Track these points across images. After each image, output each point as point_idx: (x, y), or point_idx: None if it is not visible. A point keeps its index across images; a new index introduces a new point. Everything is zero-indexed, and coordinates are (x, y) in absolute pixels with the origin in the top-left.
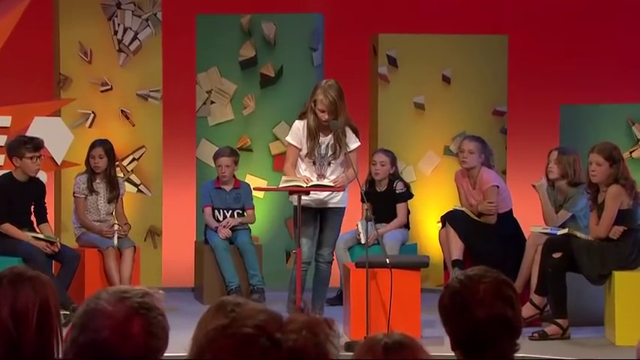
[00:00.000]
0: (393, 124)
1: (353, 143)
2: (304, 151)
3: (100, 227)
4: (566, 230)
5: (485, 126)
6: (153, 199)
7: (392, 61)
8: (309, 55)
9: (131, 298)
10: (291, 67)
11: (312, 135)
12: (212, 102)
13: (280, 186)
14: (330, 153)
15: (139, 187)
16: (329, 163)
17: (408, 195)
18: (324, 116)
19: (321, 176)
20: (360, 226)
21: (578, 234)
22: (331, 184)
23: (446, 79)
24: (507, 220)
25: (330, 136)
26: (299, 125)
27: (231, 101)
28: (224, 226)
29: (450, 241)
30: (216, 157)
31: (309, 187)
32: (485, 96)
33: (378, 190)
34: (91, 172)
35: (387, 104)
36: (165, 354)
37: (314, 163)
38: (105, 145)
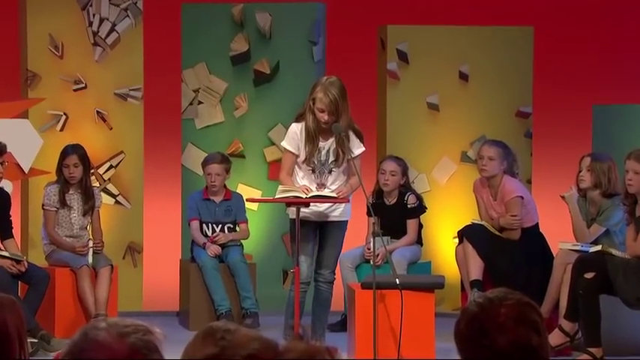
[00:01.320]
0: (404, 127)
1: (357, 148)
2: (302, 158)
3: (72, 243)
4: (599, 247)
5: (508, 129)
6: (132, 212)
7: (402, 56)
8: (309, 50)
9: (134, 334)
10: (288, 62)
11: (311, 138)
12: (200, 102)
13: (277, 197)
14: (331, 159)
15: (117, 198)
16: (330, 171)
17: (420, 210)
18: (324, 117)
19: (320, 186)
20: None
21: (613, 251)
22: (334, 194)
23: (463, 77)
24: (533, 235)
25: (331, 140)
26: (296, 128)
27: (221, 101)
28: (213, 242)
29: (468, 259)
30: (204, 164)
31: (310, 198)
32: (507, 95)
33: (387, 203)
34: (63, 182)
35: (396, 105)
36: None
37: (313, 171)
38: (78, 151)
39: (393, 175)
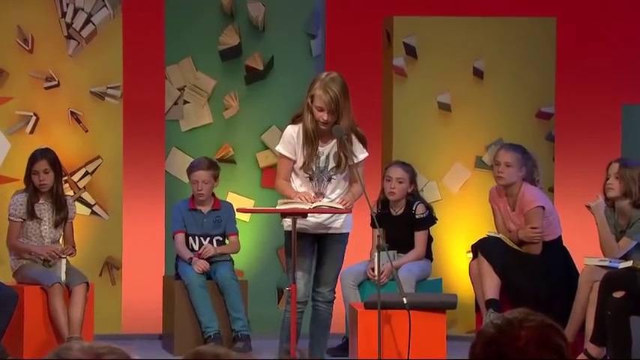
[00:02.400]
0: (412, 129)
1: (360, 153)
2: (299, 163)
3: (40, 247)
4: (630, 263)
5: (528, 132)
6: (110, 224)
7: (410, 51)
8: (307, 44)
9: (110, 355)
10: (284, 58)
11: (310, 141)
12: (185, 102)
13: (276, 208)
14: (331, 165)
15: (93, 209)
16: (329, 179)
17: (430, 221)
18: (323, 116)
19: (319, 195)
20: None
21: None
22: (338, 205)
23: (478, 73)
24: (555, 249)
25: (331, 143)
26: (292, 131)
27: (209, 101)
28: (200, 257)
29: (483, 276)
30: (190, 170)
31: (313, 208)
32: (527, 94)
33: (393, 213)
34: (32, 191)
35: (403, 104)
36: None
37: (310, 179)
38: (48, 155)
39: (400, 183)
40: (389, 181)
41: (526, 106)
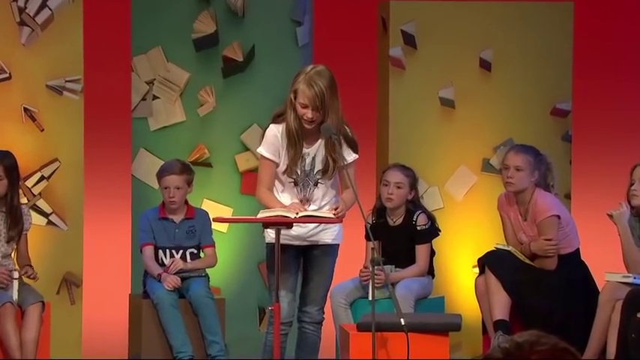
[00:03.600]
0: (410, 128)
1: (349, 155)
2: (281, 167)
3: None
4: None
5: (541, 131)
6: (70, 235)
7: (409, 40)
8: (292, 32)
9: None
10: (266, 47)
11: (293, 141)
12: (154, 97)
13: (258, 216)
14: (317, 169)
15: (50, 218)
16: (316, 183)
17: (432, 233)
18: (307, 114)
19: (304, 202)
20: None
21: None
22: (329, 214)
23: (485, 65)
24: (572, 264)
25: (317, 144)
26: (275, 130)
27: (182, 96)
28: (171, 272)
29: (491, 293)
30: (160, 175)
31: (300, 218)
32: (540, 88)
33: (391, 224)
34: None
35: (401, 100)
36: None
37: (295, 184)
38: (4, 160)
39: (398, 188)
40: (386, 185)
41: (539, 102)
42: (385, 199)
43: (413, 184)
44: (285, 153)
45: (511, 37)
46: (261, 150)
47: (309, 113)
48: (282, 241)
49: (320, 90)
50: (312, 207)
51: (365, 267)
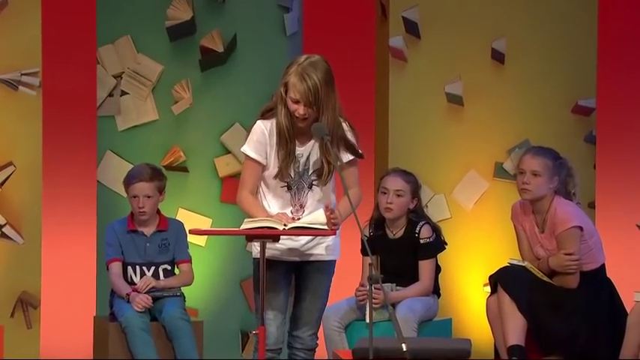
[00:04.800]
0: (413, 128)
1: (347, 154)
2: (271, 170)
3: None
4: None
5: (561, 131)
6: (26, 250)
7: (411, 28)
8: (279, 19)
9: None
10: (249, 37)
11: (284, 141)
12: (123, 92)
13: (241, 228)
14: (312, 170)
15: (4, 230)
16: (310, 185)
17: (437, 247)
18: (299, 110)
19: (299, 208)
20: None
21: None
22: (321, 217)
23: (497, 57)
24: (596, 282)
25: (312, 143)
26: (263, 127)
27: (154, 91)
28: (142, 291)
29: (504, 315)
30: (128, 181)
31: (289, 230)
32: (560, 83)
33: (391, 236)
34: None
35: (403, 96)
36: None
37: (288, 188)
38: None
39: (398, 197)
40: (384, 193)
41: (559, 98)
42: (384, 208)
43: (415, 192)
44: (274, 154)
45: (527, 24)
46: (246, 149)
47: (300, 109)
48: (269, 256)
49: (314, 83)
50: (306, 213)
51: (361, 285)
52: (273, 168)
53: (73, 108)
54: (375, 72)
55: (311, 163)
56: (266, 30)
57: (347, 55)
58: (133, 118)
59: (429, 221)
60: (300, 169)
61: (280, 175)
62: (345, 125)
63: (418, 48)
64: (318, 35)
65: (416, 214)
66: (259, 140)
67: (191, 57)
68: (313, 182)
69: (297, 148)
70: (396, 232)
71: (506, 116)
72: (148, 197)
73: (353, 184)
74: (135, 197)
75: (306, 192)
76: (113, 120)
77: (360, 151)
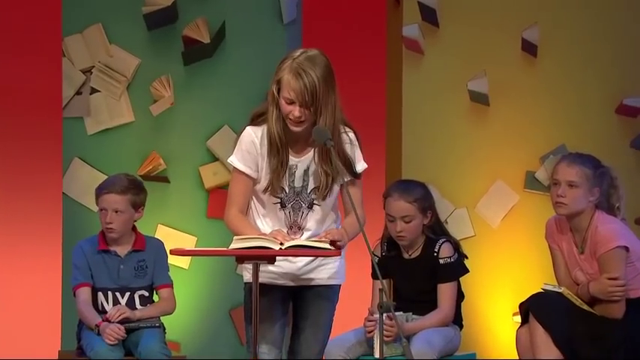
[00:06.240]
0: (430, 131)
1: (356, 165)
2: (262, 184)
3: None
4: None
5: (604, 135)
6: None
7: (428, 16)
8: (275, 5)
9: None
10: (240, 25)
11: (275, 148)
12: (93, 90)
13: (230, 248)
14: (312, 186)
15: None
16: (311, 205)
17: (459, 268)
18: (294, 112)
19: (296, 229)
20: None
21: None
22: (323, 244)
23: (529, 48)
24: None
25: (311, 153)
26: (252, 135)
27: (129, 89)
28: (114, 322)
29: (537, 349)
30: (97, 192)
31: (286, 250)
32: (601, 80)
33: (406, 257)
34: None
35: (418, 95)
36: None
37: (282, 205)
38: None
39: (407, 222)
40: (392, 221)
41: (601, 97)
42: (396, 237)
43: (425, 207)
44: (265, 164)
45: (563, 10)
46: (233, 160)
47: (296, 111)
48: (265, 280)
49: (311, 81)
50: (306, 236)
51: (371, 314)
52: (263, 180)
53: (34, 108)
54: (386, 67)
55: (310, 178)
56: (259, 17)
57: (353, 48)
58: (104, 120)
59: (449, 239)
60: (296, 185)
61: (271, 188)
62: (344, 136)
63: (436, 38)
64: (319, 24)
65: (432, 230)
66: (248, 150)
67: (172, 49)
68: (314, 201)
69: (291, 157)
70: (412, 251)
71: (538, 118)
72: (117, 212)
73: (356, 206)
74: (104, 211)
75: (304, 212)
76: (82, 122)
77: (358, 171)
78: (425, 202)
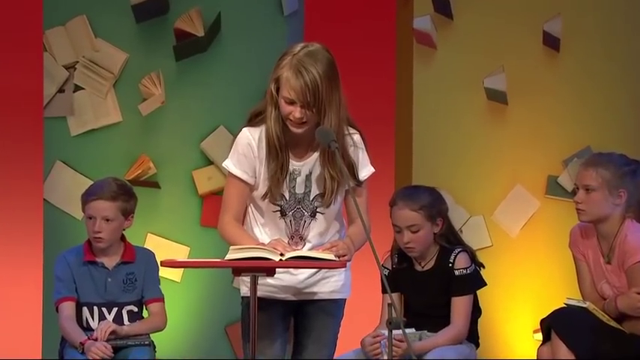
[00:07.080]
0: (443, 132)
1: (362, 169)
2: (260, 190)
3: None
4: None
5: (632, 136)
6: None
7: (441, 6)
8: None
9: None
10: (237, 17)
11: (274, 151)
12: (77, 87)
13: (226, 259)
14: (315, 193)
15: None
16: (314, 214)
17: (476, 281)
18: (295, 112)
19: (296, 239)
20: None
21: None
22: (328, 255)
23: (550, 42)
24: None
25: (314, 157)
26: (249, 137)
27: (116, 86)
28: (100, 339)
29: None
30: (85, 199)
31: (287, 261)
32: (630, 76)
33: (419, 269)
34: None
35: (430, 93)
36: None
37: (282, 214)
38: None
39: (414, 232)
40: (398, 232)
41: (629, 94)
42: (404, 249)
43: (433, 214)
44: (264, 169)
45: (588, 1)
46: (228, 164)
47: (296, 112)
48: (264, 294)
49: (312, 79)
50: (308, 247)
51: (373, 336)
52: (262, 186)
53: (12, 107)
54: (395, 62)
55: (313, 184)
56: (258, 9)
57: (359, 42)
58: (89, 120)
59: (465, 248)
60: (298, 191)
61: (270, 195)
62: (348, 139)
63: (450, 31)
64: (323, 16)
65: (446, 239)
66: (245, 153)
67: (163, 43)
68: (317, 209)
69: (292, 162)
70: (424, 263)
71: (561, 118)
72: (107, 220)
73: (361, 211)
74: (90, 219)
75: (306, 221)
76: (65, 122)
77: (364, 175)
78: (432, 209)
